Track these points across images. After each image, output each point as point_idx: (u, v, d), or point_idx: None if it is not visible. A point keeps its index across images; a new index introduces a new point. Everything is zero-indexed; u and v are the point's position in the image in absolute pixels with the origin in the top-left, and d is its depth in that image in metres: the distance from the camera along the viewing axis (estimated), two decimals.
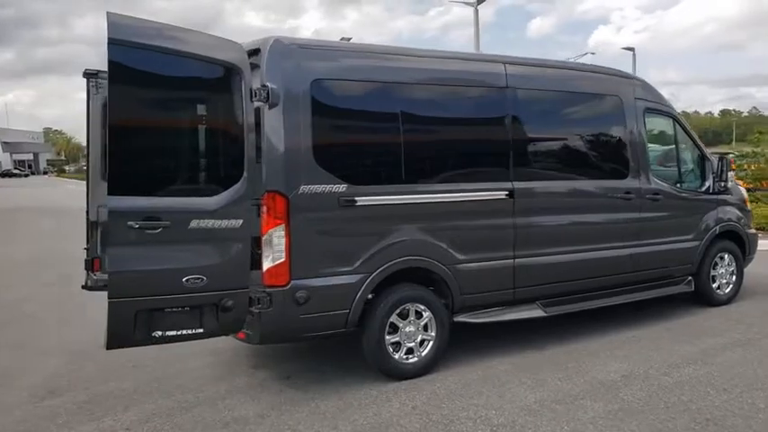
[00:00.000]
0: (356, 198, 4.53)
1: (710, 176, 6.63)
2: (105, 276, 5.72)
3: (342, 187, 4.48)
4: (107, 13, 3.65)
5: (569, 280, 5.63)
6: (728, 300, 6.84)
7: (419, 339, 4.87)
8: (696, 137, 6.75)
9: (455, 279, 4.96)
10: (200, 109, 4.22)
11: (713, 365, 4.95)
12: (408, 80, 4.92)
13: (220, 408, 4.43)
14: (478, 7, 26.27)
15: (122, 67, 3.72)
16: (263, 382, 4.92)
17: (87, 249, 5.66)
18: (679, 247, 6.38)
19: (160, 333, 3.91)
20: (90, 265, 5.66)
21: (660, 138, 6.43)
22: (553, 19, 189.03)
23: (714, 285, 6.73)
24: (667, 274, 6.38)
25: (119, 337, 3.87)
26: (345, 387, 4.68)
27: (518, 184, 5.24)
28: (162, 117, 4.11)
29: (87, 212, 5.66)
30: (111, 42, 3.61)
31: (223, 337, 4.84)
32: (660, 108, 6.37)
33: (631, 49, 37.01)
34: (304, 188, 4.35)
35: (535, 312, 5.42)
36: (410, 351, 4.84)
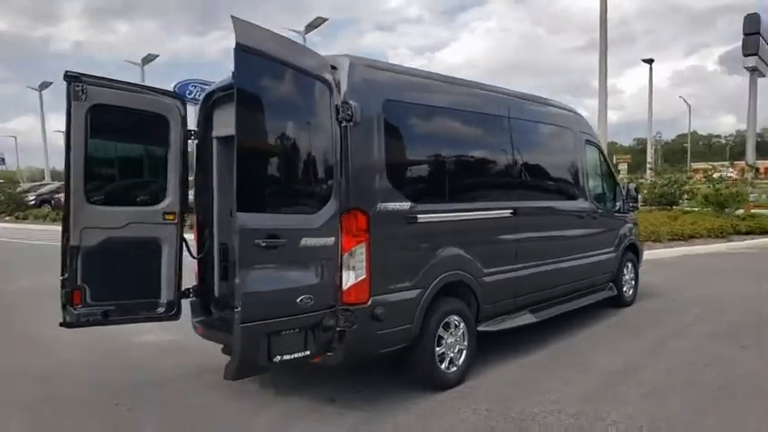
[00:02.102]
0: (418, 215, 4.71)
1: (621, 198, 7.96)
2: (87, 310, 5.03)
3: (407, 205, 4.63)
4: (232, 17, 3.43)
5: (551, 287, 6.39)
6: (632, 301, 8.21)
7: (457, 350, 5.14)
8: (612, 165, 8.07)
9: (482, 290, 5.35)
10: (307, 125, 4.07)
11: (677, 351, 5.99)
12: (461, 107, 5.31)
13: None
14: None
15: (250, 79, 3.51)
16: (310, 407, 4.71)
17: (65, 280, 4.89)
18: (608, 257, 7.55)
19: (279, 357, 3.68)
20: (69, 298, 4.90)
21: (591, 165, 7.55)
22: (336, 52, 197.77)
23: (624, 289, 8.04)
24: (602, 281, 7.50)
25: (247, 364, 3.56)
26: (401, 402, 4.72)
27: (519, 203, 5.84)
28: (279, 131, 3.92)
29: (67, 238, 4.91)
30: (242, 49, 3.40)
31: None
32: (593, 140, 7.53)
33: None
34: (380, 206, 4.43)
35: (529, 319, 6.02)
36: (451, 361, 5.08)
